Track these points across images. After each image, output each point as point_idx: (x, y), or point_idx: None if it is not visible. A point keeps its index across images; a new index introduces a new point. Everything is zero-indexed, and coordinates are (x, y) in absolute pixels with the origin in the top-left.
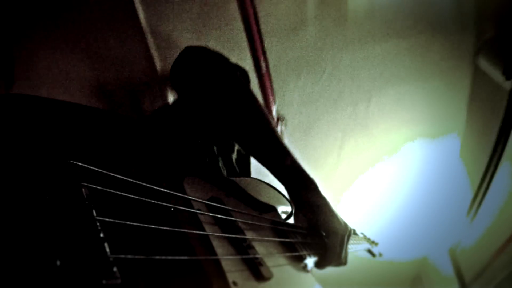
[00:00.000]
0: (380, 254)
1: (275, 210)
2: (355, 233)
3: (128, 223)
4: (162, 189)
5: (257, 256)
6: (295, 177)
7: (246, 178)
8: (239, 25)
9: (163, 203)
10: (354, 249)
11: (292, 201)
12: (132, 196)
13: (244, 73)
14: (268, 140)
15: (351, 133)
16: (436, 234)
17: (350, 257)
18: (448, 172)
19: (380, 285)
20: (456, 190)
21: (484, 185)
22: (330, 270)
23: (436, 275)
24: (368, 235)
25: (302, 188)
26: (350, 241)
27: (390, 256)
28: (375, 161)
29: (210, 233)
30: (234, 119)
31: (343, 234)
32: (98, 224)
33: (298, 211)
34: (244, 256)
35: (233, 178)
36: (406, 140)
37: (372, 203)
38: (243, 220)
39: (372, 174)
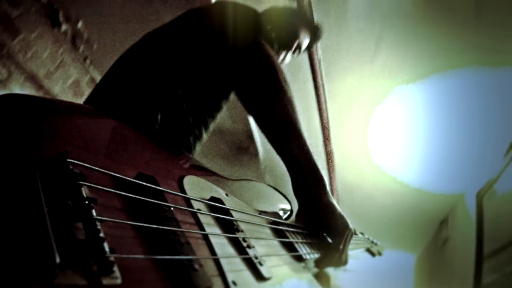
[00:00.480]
0: (380, 254)
1: (275, 210)
2: (355, 233)
3: (128, 222)
4: (163, 189)
5: (257, 256)
6: (305, 170)
7: (246, 178)
8: None
9: (163, 203)
10: (354, 249)
11: (298, 196)
12: (132, 195)
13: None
14: (280, 119)
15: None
16: (474, 171)
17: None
18: (499, 105)
19: (414, 215)
20: (503, 127)
21: None
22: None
23: (464, 218)
24: (367, 235)
25: (310, 183)
26: (351, 241)
27: (429, 183)
28: (420, 76)
29: (210, 233)
30: (249, 92)
31: (347, 234)
32: (97, 223)
33: (302, 208)
34: (244, 256)
35: (233, 178)
36: (462, 64)
37: (415, 125)
38: (243, 220)
39: (416, 92)
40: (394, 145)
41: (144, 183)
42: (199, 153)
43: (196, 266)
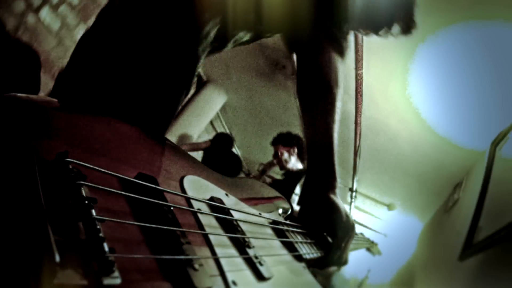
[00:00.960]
0: (380, 253)
1: (276, 209)
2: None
3: (128, 222)
4: (163, 188)
5: (257, 255)
6: (322, 163)
7: (244, 178)
8: None
9: (163, 202)
10: (353, 249)
11: (306, 190)
12: (132, 195)
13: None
14: (316, 116)
15: None
16: (501, 128)
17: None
18: None
19: (433, 169)
20: None
21: None
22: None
23: (478, 177)
24: (367, 236)
25: (323, 180)
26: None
27: (455, 134)
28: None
29: (210, 233)
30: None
31: (350, 235)
32: (97, 223)
33: (307, 204)
34: (244, 256)
35: (232, 178)
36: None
37: (454, 73)
38: (244, 220)
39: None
40: (432, 87)
41: (144, 183)
42: (236, 67)
43: (196, 266)
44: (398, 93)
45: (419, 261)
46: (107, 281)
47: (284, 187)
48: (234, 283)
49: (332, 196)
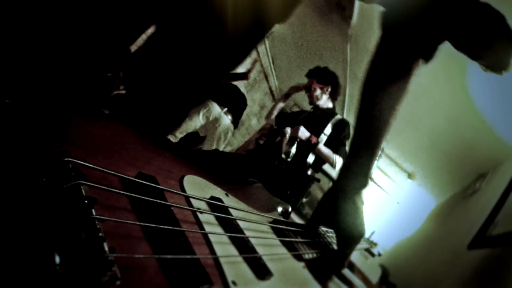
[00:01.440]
0: (379, 254)
1: (275, 209)
2: None
3: (128, 222)
4: (163, 187)
5: (257, 255)
6: (364, 163)
7: (245, 180)
8: None
9: (163, 202)
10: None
11: (338, 184)
12: (132, 194)
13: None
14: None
15: None
16: None
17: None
18: None
19: (463, 148)
20: None
21: None
22: None
23: (505, 174)
24: (367, 236)
25: (357, 181)
26: None
27: (498, 123)
28: None
29: (210, 232)
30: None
31: (358, 242)
32: (97, 223)
33: (332, 203)
34: (244, 256)
35: (233, 180)
36: None
37: None
38: (243, 219)
39: None
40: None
41: (145, 182)
42: None
43: (196, 266)
44: (453, 66)
45: (423, 238)
46: (106, 281)
47: (312, 122)
48: (234, 283)
49: (358, 200)
